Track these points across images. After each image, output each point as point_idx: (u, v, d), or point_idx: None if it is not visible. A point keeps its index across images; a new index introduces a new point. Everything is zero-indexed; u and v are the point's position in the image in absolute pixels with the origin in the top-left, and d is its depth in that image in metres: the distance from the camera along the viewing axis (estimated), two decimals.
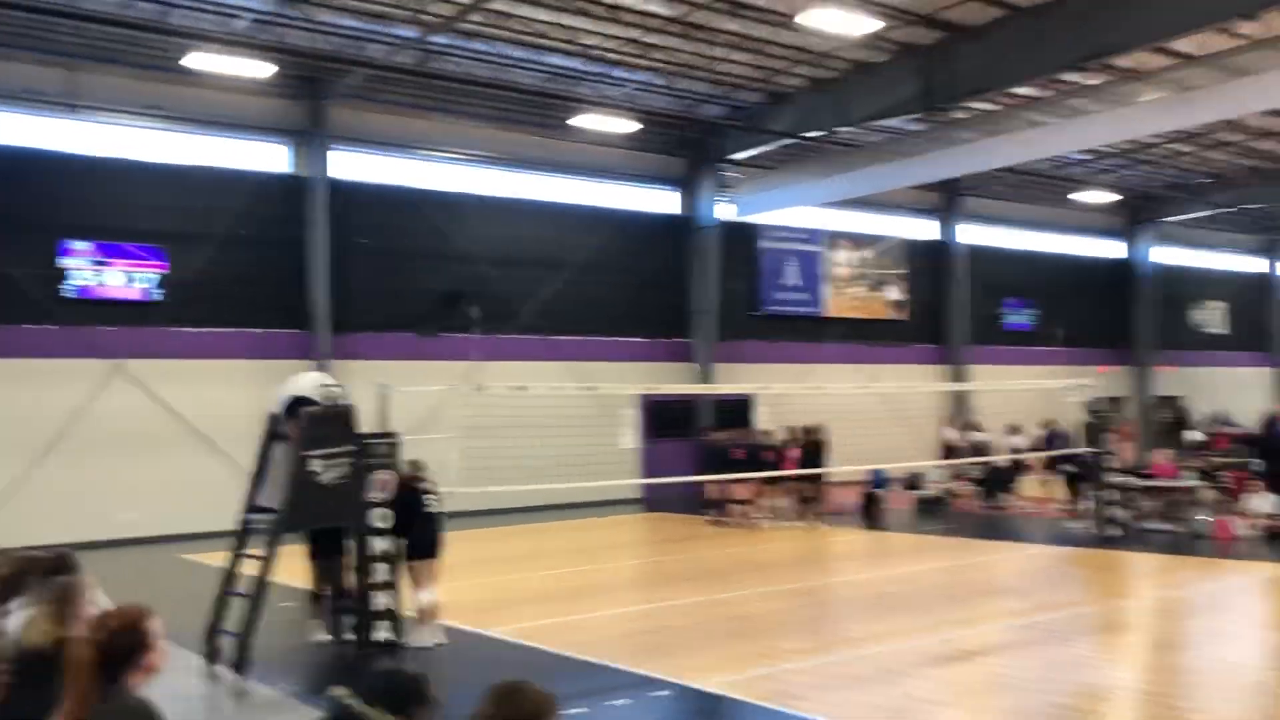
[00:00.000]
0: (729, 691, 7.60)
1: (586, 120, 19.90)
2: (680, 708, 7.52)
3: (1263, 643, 9.22)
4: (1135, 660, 8.68)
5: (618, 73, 19.85)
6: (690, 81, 20.54)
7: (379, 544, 9.18)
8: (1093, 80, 19.72)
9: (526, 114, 21.17)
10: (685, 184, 24.57)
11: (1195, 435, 21.53)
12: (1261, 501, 15.67)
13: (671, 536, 17.45)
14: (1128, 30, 15.91)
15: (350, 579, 9.31)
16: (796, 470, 17.83)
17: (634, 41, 18.26)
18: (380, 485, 9.23)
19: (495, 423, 20.38)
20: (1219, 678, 7.89)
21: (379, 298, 20.45)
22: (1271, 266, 38.64)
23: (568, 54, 18.84)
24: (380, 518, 9.20)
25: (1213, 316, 37.14)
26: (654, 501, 21.78)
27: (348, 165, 20.18)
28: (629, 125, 20.35)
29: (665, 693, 7.66)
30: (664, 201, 24.88)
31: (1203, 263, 37.04)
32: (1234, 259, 38.12)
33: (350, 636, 9.21)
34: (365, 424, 9.77)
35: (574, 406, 21.64)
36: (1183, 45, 18.40)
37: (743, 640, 9.28)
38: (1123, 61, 18.90)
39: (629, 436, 23.39)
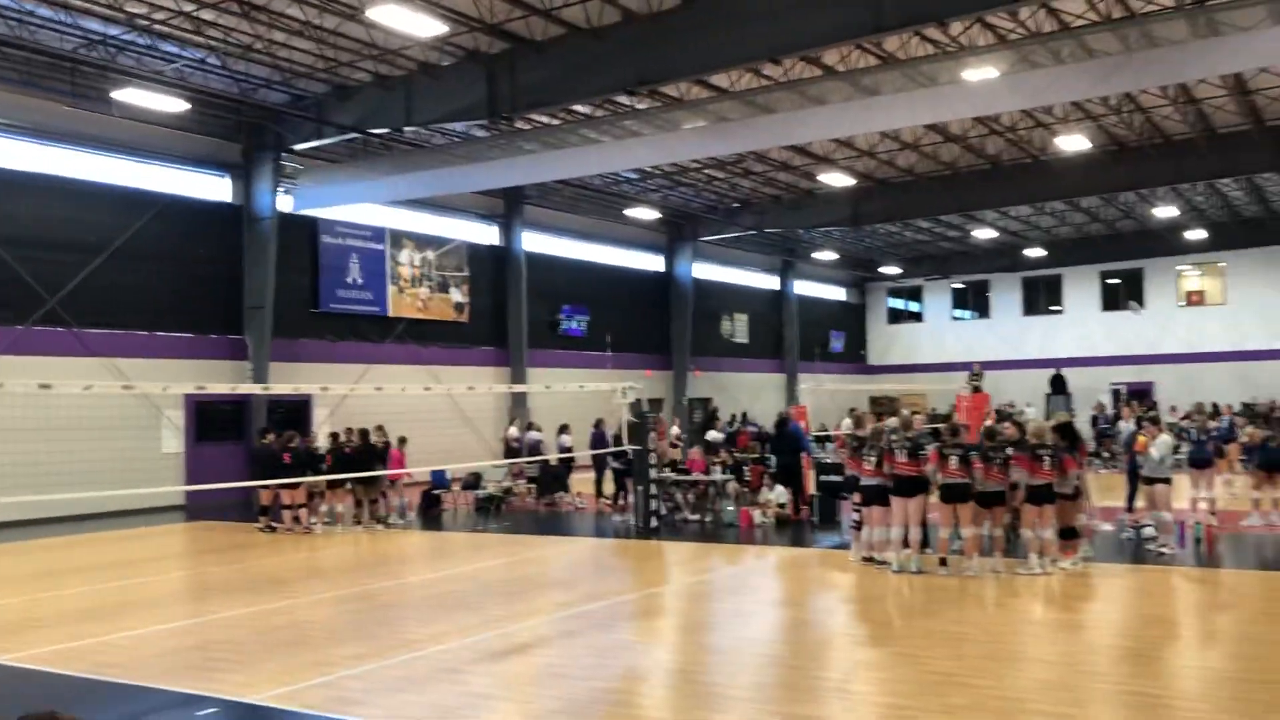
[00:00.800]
0: (281, 704, 7.32)
1: (129, 94, 18.18)
2: None
3: (777, 619, 10.40)
4: (671, 642, 9.45)
5: (166, 47, 18.43)
6: (248, 64, 19.55)
7: None
8: (643, 104, 21.22)
9: (57, 81, 19.03)
10: (241, 171, 23.29)
11: (716, 434, 23.76)
12: (774, 492, 17.68)
13: (220, 546, 16.44)
14: (672, 62, 17.30)
15: None
16: (353, 473, 17.51)
17: (185, 15, 17.06)
18: None
19: (12, 425, 18.19)
20: (741, 653, 8.79)
21: None
22: (784, 284, 43.65)
23: (108, 20, 17.22)
24: None
25: (738, 327, 41.35)
26: (200, 509, 20.46)
27: None
28: (177, 104, 18.89)
29: (211, 710, 7.23)
30: (216, 188, 23.43)
31: (731, 279, 41.09)
32: (756, 276, 42.65)
33: None
34: None
35: (108, 408, 19.86)
36: (720, 80, 20.34)
37: (297, 650, 8.97)
38: (669, 90, 20.53)
39: (172, 440, 21.81)
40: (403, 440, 19.20)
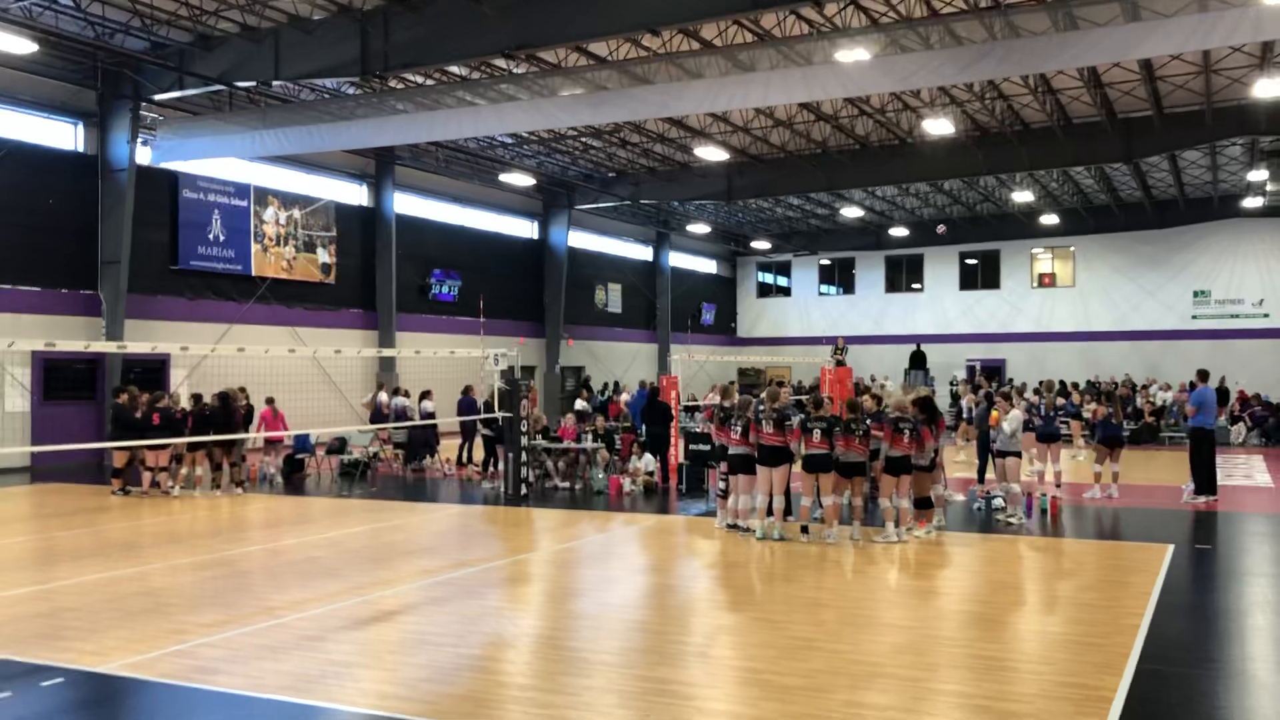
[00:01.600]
0: (134, 673, 7.11)
1: None
2: (74, 696, 6.87)
3: (642, 585, 10.55)
4: (537, 608, 9.50)
5: None
6: (105, 7, 18.60)
7: None
8: (520, 69, 20.99)
9: None
10: (96, 120, 22.20)
11: (584, 404, 23.92)
12: (643, 461, 17.89)
13: (70, 509, 15.78)
14: (551, 27, 17.18)
15: None
16: (214, 436, 17.00)
17: None
18: None
19: None
20: (606, 619, 8.90)
21: None
22: (658, 255, 43.93)
23: None
24: None
25: (612, 297, 41.49)
26: (48, 471, 19.59)
27: None
28: (24, 45, 17.78)
29: (57, 680, 6.97)
30: (69, 136, 22.31)
31: (606, 248, 41.14)
32: (630, 247, 42.81)
33: None
34: None
35: None
36: (599, 49, 20.27)
37: (151, 617, 8.70)
38: (547, 55, 20.37)
39: (17, 399, 20.80)
40: (270, 400, 18.82)
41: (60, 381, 21.56)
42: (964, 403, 20.46)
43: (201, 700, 6.58)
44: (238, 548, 12.46)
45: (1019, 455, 14.09)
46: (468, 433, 21.06)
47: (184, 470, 17.45)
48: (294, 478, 19.35)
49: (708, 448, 16.01)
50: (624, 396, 24.21)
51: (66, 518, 15.01)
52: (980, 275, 44.49)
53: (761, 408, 12.63)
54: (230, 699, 6.59)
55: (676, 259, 45.07)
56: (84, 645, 7.75)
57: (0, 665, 7.30)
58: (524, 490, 16.53)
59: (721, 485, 13.56)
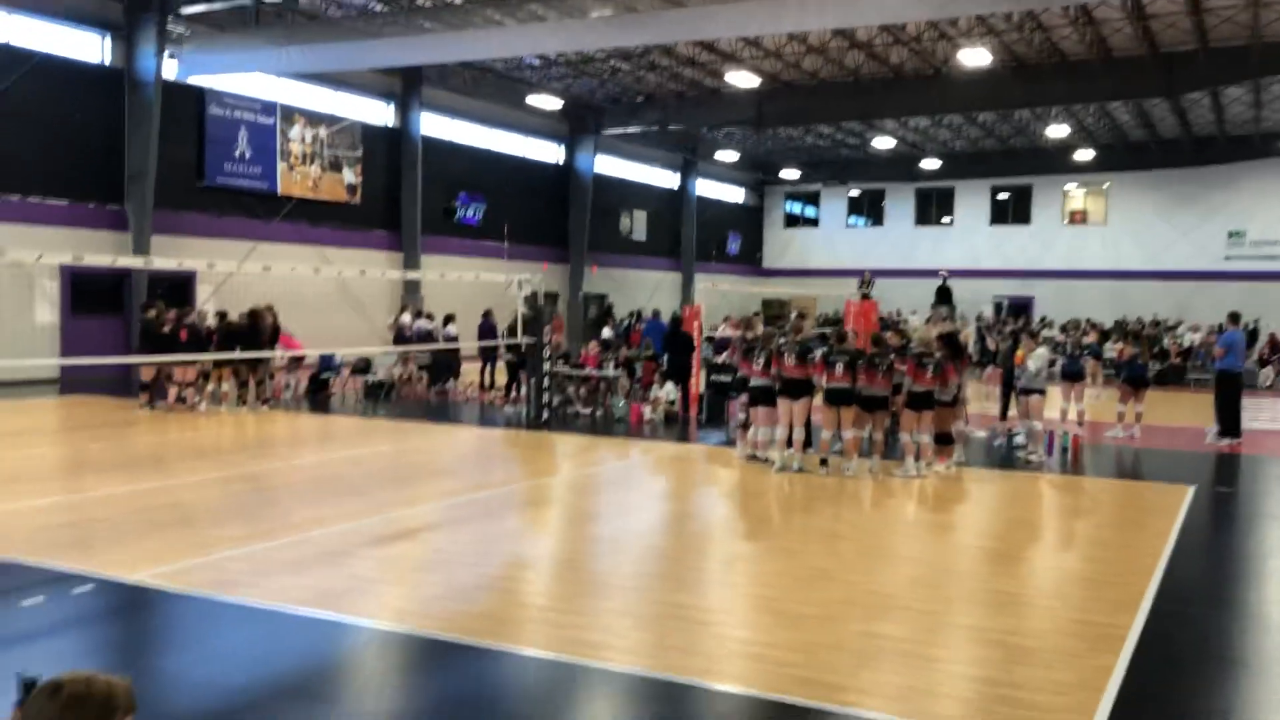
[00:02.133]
0: (159, 583, 7.25)
1: None
2: (102, 603, 7.02)
3: (660, 512, 10.63)
4: (556, 532, 9.60)
5: None
6: None
7: None
8: None
9: None
10: (123, 32, 22.05)
11: (609, 332, 23.89)
12: (664, 390, 17.93)
13: (98, 421, 16.00)
14: None
15: None
16: (241, 353, 17.12)
17: None
18: None
19: None
20: (624, 543, 8.99)
21: None
22: (685, 183, 43.52)
23: None
24: None
25: (637, 224, 41.23)
26: (76, 384, 19.80)
27: None
28: None
29: (86, 588, 7.11)
30: (96, 48, 22.18)
31: (632, 175, 40.77)
32: (657, 174, 42.42)
33: None
34: None
35: None
36: None
37: (177, 530, 8.85)
38: None
39: (46, 311, 21.00)
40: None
41: (88, 295, 21.72)
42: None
43: (227, 611, 6.71)
44: (262, 464, 12.62)
45: (1042, 393, 14.02)
46: (488, 357, 21.13)
47: (210, 386, 17.61)
48: (319, 396, 19.52)
49: (728, 378, 16.00)
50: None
51: (94, 429, 15.23)
52: (1011, 210, 43.91)
53: (784, 340, 12.58)
54: (255, 611, 6.71)
55: (703, 187, 44.67)
56: (112, 555, 7.90)
57: (32, 572, 7.46)
58: (545, 415, 16.61)
59: (741, 416, 13.57)
